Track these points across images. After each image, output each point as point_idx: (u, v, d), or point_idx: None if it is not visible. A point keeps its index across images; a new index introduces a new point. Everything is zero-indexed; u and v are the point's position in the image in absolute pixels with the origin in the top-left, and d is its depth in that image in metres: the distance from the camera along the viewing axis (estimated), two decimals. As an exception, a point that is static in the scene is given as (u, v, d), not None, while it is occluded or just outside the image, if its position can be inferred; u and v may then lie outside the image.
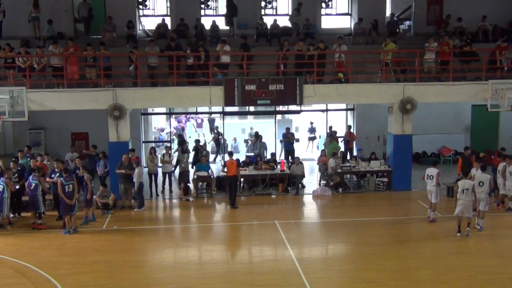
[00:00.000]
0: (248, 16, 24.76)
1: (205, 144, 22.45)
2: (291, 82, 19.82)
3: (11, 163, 17.67)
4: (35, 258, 14.03)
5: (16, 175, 17.16)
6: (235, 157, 20.35)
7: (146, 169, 20.31)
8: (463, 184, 15.41)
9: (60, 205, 16.28)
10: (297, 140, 24.47)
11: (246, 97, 19.73)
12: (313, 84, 20.10)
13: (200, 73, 20.57)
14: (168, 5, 26.10)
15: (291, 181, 20.47)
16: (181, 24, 23.93)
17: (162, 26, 24.03)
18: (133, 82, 20.07)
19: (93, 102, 19.28)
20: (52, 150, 22.51)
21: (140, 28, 25.31)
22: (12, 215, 17.06)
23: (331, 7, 26.75)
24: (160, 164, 20.54)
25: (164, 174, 20.38)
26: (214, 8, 26.35)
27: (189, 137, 27.06)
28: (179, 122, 28.78)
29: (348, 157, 22.42)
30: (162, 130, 28.25)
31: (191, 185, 20.11)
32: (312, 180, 21.66)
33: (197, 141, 22.41)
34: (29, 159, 18.69)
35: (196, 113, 27.35)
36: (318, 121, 26.38)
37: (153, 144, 23.65)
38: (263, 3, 26.02)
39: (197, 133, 28.71)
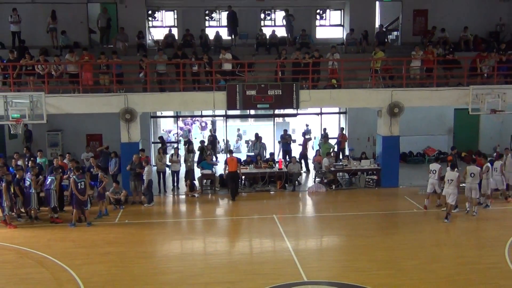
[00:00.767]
0: (249, 27, 24.76)
1: (209, 144, 22.45)
2: (288, 88, 19.82)
3: (69, 161, 17.85)
4: (53, 250, 14.04)
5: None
6: (238, 156, 20.38)
7: (155, 167, 20.31)
8: (448, 175, 16.25)
9: (73, 201, 16.33)
10: (294, 141, 24.47)
11: (246, 101, 19.72)
12: (308, 90, 20.09)
13: (204, 79, 20.58)
14: (175, 17, 26.14)
15: (288, 179, 20.47)
16: (187, 35, 23.96)
17: (169, 36, 24.07)
18: (143, 87, 20.07)
19: (106, 106, 19.30)
20: (69, 150, 22.45)
21: (150, 38, 25.33)
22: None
23: (325, 19, 26.76)
24: (168, 163, 20.55)
25: (172, 172, 20.37)
26: (218, 20, 26.37)
27: (195, 138, 27.06)
28: (185, 124, 28.83)
29: (341, 157, 22.40)
30: (170, 131, 28.27)
31: (196, 182, 20.12)
32: (307, 178, 21.64)
33: (202, 142, 22.44)
34: (27, 159, 18.69)
35: (201, 116, 27.41)
36: (313, 124, 26.36)
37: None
38: (262, 15, 26.07)
39: (201, 134, 28.72)
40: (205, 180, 20.43)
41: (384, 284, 11.62)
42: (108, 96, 19.40)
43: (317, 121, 25.38)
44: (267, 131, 25.02)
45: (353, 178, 21.11)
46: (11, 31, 22.54)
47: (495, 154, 20.94)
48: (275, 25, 26.01)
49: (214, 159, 21.69)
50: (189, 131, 28.51)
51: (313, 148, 24.95)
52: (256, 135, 23.65)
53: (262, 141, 23.44)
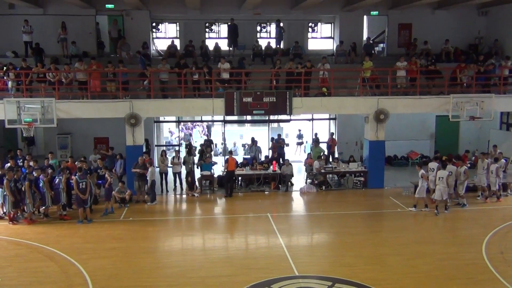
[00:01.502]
0: (246, 39, 24.78)
1: (208, 147, 22.43)
2: (282, 95, 19.84)
3: (78, 162, 17.78)
4: (61, 245, 14.03)
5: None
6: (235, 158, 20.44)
7: (158, 169, 20.28)
8: (440, 173, 16.74)
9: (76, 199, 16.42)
10: (287, 145, 24.46)
11: (243, 107, 19.74)
12: (301, 97, 20.12)
13: (204, 87, 20.58)
14: (178, 29, 26.14)
15: (282, 180, 20.48)
16: (188, 45, 23.96)
17: (172, 46, 24.03)
18: (147, 94, 20.04)
19: (113, 111, 19.29)
20: (77, 153, 22.49)
21: (154, 48, 25.31)
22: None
23: (317, 31, 26.80)
24: (170, 165, 20.54)
25: (174, 174, 20.34)
26: (217, 32, 26.40)
27: (195, 141, 27.07)
28: (187, 128, 28.84)
29: (331, 159, 22.41)
30: (173, 133, 28.26)
31: (196, 182, 20.11)
32: (299, 179, 21.65)
33: (202, 145, 22.44)
34: (20, 160, 18.68)
35: (201, 121, 27.40)
36: (305, 129, 26.39)
37: (164, 148, 23.64)
38: (258, 28, 26.11)
39: (201, 138, 28.73)
40: (204, 181, 20.43)
41: (370, 278, 11.63)
42: (115, 102, 19.38)
43: (309, 126, 25.40)
44: (262, 135, 25.01)
45: (342, 180, 21.11)
46: (23, 41, 22.55)
47: (473, 158, 21.11)
48: (270, 37, 26.05)
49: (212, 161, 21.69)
50: (190, 135, 28.52)
51: (305, 152, 24.96)
52: (252, 139, 23.66)
53: (258, 144, 23.43)
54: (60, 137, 23.02)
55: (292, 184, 20.82)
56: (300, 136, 26.70)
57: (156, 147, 23.98)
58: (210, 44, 24.56)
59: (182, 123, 26.96)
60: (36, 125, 18.31)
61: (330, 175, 21.00)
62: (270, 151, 23.08)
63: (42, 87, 19.63)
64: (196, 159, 21.13)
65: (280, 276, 11.78)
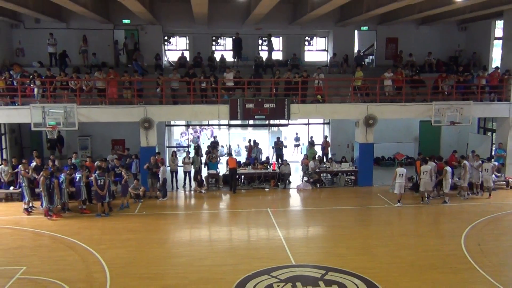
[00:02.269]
0: (249, 51, 24.79)
1: (216, 149, 22.41)
2: (281, 102, 19.83)
3: (98, 162, 17.69)
4: (82, 236, 14.03)
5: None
6: (238, 159, 20.42)
7: (169, 167, 20.28)
8: (423, 168, 17.43)
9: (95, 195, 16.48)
10: (285, 147, 24.45)
11: (246, 113, 19.72)
12: (298, 104, 20.11)
13: (211, 94, 20.59)
14: (187, 42, 26.19)
15: (280, 178, 20.47)
16: (197, 57, 23.97)
17: (182, 58, 24.06)
18: (159, 101, 20.04)
19: (129, 116, 19.30)
20: (97, 153, 22.53)
21: (165, 59, 25.33)
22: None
23: (312, 45, 26.81)
24: (180, 164, 20.52)
25: (184, 172, 20.32)
26: (223, 44, 26.42)
27: (203, 143, 27.05)
28: (195, 132, 28.82)
29: (325, 160, 22.40)
30: (184, 134, 28.14)
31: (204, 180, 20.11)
32: (296, 178, 21.63)
33: (209, 146, 22.43)
34: (33, 162, 18.40)
35: (208, 125, 27.39)
36: (302, 132, 26.36)
37: (174, 149, 23.64)
38: (260, 41, 26.11)
39: (209, 140, 28.67)
40: (210, 179, 20.42)
41: (360, 267, 11.61)
42: (130, 107, 19.39)
43: (305, 130, 25.39)
44: (263, 138, 24.98)
45: (335, 178, 21.08)
46: (48, 52, 22.59)
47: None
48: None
49: (218, 159, 21.71)
50: (198, 137, 28.49)
51: (301, 153, 24.94)
52: (254, 141, 23.64)
53: (259, 146, 23.41)
54: (81, 139, 23.07)
55: (289, 182, 20.78)
56: (297, 139, 26.64)
57: (167, 148, 23.98)
58: (217, 56, 24.57)
59: (191, 127, 26.95)
60: (59, 128, 18.36)
61: (324, 174, 20.98)
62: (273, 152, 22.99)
63: (65, 94, 19.63)
64: (203, 159, 21.14)
65: (279, 265, 11.76)
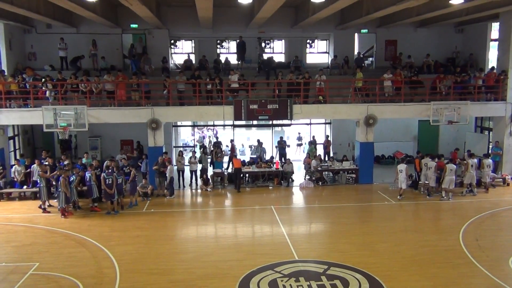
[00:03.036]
0: (252, 53, 24.77)
1: (220, 148, 22.42)
2: (283, 103, 19.80)
3: (108, 161, 17.82)
4: (92, 233, 14.06)
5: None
6: (242, 158, 20.39)
7: (176, 167, 20.30)
8: (426, 163, 17.88)
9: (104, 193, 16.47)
10: (288, 146, 24.42)
11: (250, 113, 19.71)
12: (300, 104, 20.08)
13: (216, 95, 20.59)
14: (193, 45, 26.24)
15: (284, 177, 20.45)
16: (202, 59, 23.98)
17: (188, 61, 24.04)
18: (166, 102, 20.06)
19: (137, 117, 19.33)
20: (106, 153, 22.57)
21: (172, 62, 25.35)
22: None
23: (314, 47, 26.81)
24: (187, 163, 20.54)
25: (190, 171, 20.34)
26: (227, 47, 26.42)
27: (208, 143, 27.05)
28: (201, 132, 28.83)
29: (326, 159, 22.37)
30: (195, 133, 28.15)
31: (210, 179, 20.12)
32: (299, 176, 21.60)
33: (214, 146, 22.44)
34: (38, 160, 18.42)
35: (214, 125, 27.40)
36: (304, 132, 26.36)
37: (181, 149, 23.67)
38: (263, 44, 26.08)
39: (215, 139, 28.67)
40: (216, 177, 20.42)
41: (361, 262, 11.57)
42: (138, 109, 19.41)
43: (307, 130, 25.36)
44: (267, 138, 24.97)
45: (336, 176, 21.04)
46: (59, 56, 22.64)
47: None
48: (273, 52, 26.04)
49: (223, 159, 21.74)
50: (204, 137, 28.49)
51: (304, 152, 24.91)
52: (258, 141, 23.64)
53: (263, 146, 23.40)
54: (91, 139, 23.12)
55: (292, 180, 20.77)
56: (299, 138, 26.63)
57: (174, 148, 24.00)
58: (221, 59, 24.57)
59: (197, 127, 26.95)
60: (70, 129, 18.38)
61: (326, 172, 20.93)
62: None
63: (75, 96, 19.68)
64: (208, 158, 21.14)
65: (282, 261, 11.74)
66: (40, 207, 16.52)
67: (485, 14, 19.97)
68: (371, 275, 10.86)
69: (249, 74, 22.50)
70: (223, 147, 23.86)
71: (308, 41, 26.54)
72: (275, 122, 24.17)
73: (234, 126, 24.64)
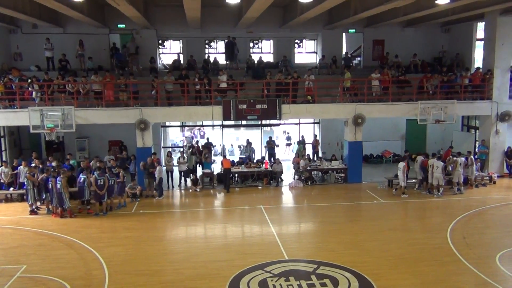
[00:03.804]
0: (241, 53, 24.75)
1: (209, 149, 22.36)
2: (272, 103, 19.81)
3: (98, 162, 17.69)
4: (80, 235, 13.93)
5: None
6: (232, 158, 20.32)
7: (165, 167, 20.19)
8: (435, 163, 17.99)
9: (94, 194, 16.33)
10: (277, 146, 24.45)
11: (239, 113, 19.69)
12: (289, 104, 20.10)
13: (204, 96, 20.54)
14: (181, 45, 26.09)
15: (273, 176, 20.47)
16: (190, 60, 23.90)
17: (176, 61, 23.97)
18: (154, 102, 19.97)
19: (125, 117, 19.20)
20: (94, 154, 22.31)
21: (160, 62, 25.23)
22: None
23: (302, 47, 26.84)
24: (175, 164, 20.44)
25: (179, 172, 20.27)
26: (215, 48, 26.37)
27: (196, 143, 26.90)
28: (192, 132, 28.71)
29: (315, 158, 22.42)
30: (184, 135, 28.06)
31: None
32: (288, 175, 21.63)
33: (203, 146, 22.36)
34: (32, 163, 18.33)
35: (202, 126, 27.31)
36: (293, 132, 26.39)
37: (170, 149, 23.56)
38: (251, 44, 26.10)
39: (205, 139, 28.54)
40: (205, 178, 20.37)
41: (350, 261, 11.62)
42: (126, 109, 19.29)
43: (296, 129, 25.41)
44: (256, 138, 24.96)
45: (325, 176, 21.11)
46: (45, 56, 22.42)
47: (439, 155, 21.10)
48: (261, 52, 26.05)
49: (213, 161, 21.67)
50: (192, 137, 28.35)
51: (293, 152, 24.95)
52: (247, 140, 23.62)
53: (252, 146, 23.39)
54: (79, 140, 22.93)
55: (282, 180, 20.79)
56: (288, 138, 26.67)
57: (162, 149, 23.89)
58: (210, 59, 24.51)
59: (186, 128, 26.87)
60: (57, 130, 18.20)
61: (315, 172, 20.98)
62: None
63: (62, 97, 19.49)
64: (197, 158, 21.06)
65: (272, 260, 11.74)
66: (32, 211, 16.29)
67: (471, 14, 20.18)
68: (361, 273, 10.90)
69: (238, 74, 22.46)
70: (218, 148, 23.89)
71: (296, 41, 26.57)
72: (264, 122, 24.17)
73: (223, 126, 24.59)
